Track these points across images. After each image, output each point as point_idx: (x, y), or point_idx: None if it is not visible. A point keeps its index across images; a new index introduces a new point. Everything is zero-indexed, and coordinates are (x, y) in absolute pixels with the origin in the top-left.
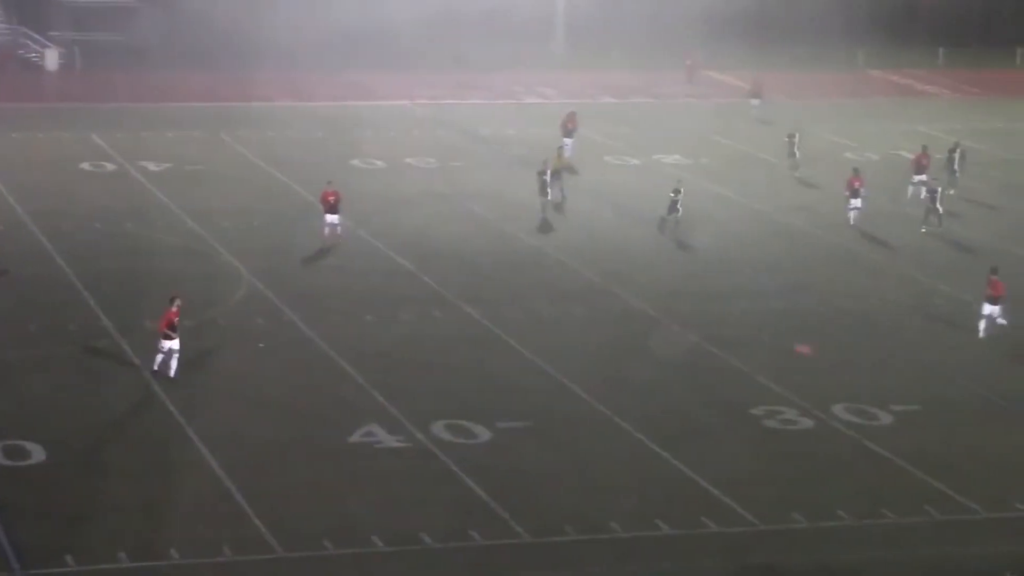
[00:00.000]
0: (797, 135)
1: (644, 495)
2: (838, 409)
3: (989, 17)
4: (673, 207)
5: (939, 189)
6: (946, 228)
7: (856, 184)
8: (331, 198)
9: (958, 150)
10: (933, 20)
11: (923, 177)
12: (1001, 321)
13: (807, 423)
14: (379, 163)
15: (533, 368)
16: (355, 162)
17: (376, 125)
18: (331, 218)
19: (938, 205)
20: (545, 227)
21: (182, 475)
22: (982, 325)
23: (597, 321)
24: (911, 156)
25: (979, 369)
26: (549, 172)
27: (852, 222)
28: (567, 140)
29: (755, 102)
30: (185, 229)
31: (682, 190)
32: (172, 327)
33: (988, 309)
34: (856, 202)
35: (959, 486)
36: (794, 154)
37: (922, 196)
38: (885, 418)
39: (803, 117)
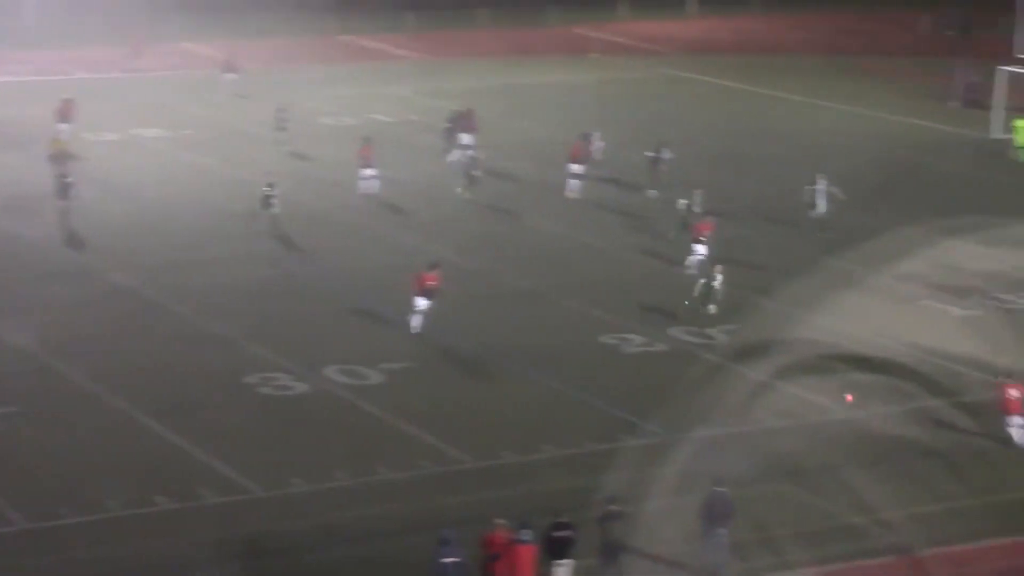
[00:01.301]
0: (287, 108)
1: (140, 472)
2: (330, 371)
3: None
4: (266, 202)
5: (477, 156)
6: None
7: (367, 153)
8: None
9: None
10: None
11: (469, 139)
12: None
13: (302, 387)
14: None
15: (16, 353)
16: None
17: None
18: None
19: (474, 171)
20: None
21: None
22: (414, 321)
23: (84, 301)
24: (450, 123)
25: (463, 325)
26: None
27: (363, 191)
28: (63, 126)
29: (230, 76)
30: None
31: (275, 184)
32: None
33: (419, 303)
34: (369, 171)
35: (448, 438)
36: (284, 127)
37: (457, 159)
38: (376, 377)
39: (280, 86)
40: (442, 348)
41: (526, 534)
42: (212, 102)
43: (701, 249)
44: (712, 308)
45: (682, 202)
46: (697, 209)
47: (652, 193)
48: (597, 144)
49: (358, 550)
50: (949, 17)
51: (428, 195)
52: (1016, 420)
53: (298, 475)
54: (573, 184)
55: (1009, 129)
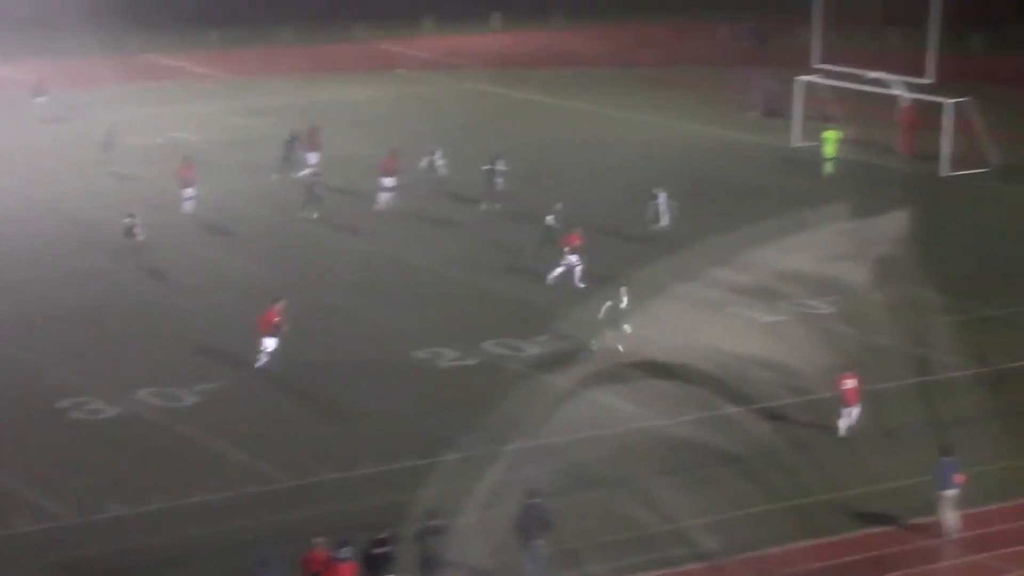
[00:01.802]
0: (113, 128)
1: None
2: (143, 394)
3: None
4: (129, 231)
5: (321, 175)
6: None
7: (188, 173)
8: None
9: (295, 138)
10: (202, 3)
11: (313, 158)
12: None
13: (114, 411)
14: None
15: None
16: None
17: None
18: None
19: (317, 191)
20: None
21: None
22: (262, 360)
23: None
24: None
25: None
26: None
27: (185, 211)
28: None
29: (40, 99)
30: None
31: (136, 214)
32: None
33: (267, 343)
34: (189, 191)
35: (264, 456)
36: (110, 148)
37: (303, 177)
38: (190, 398)
39: (85, 108)
40: (253, 367)
41: (346, 552)
42: (23, 125)
43: (573, 259)
44: (627, 327)
45: (549, 218)
46: (556, 224)
47: (484, 207)
48: (440, 160)
49: (177, 573)
50: (747, 28)
51: (240, 213)
52: (850, 411)
53: (113, 499)
54: (383, 197)
55: (812, 138)
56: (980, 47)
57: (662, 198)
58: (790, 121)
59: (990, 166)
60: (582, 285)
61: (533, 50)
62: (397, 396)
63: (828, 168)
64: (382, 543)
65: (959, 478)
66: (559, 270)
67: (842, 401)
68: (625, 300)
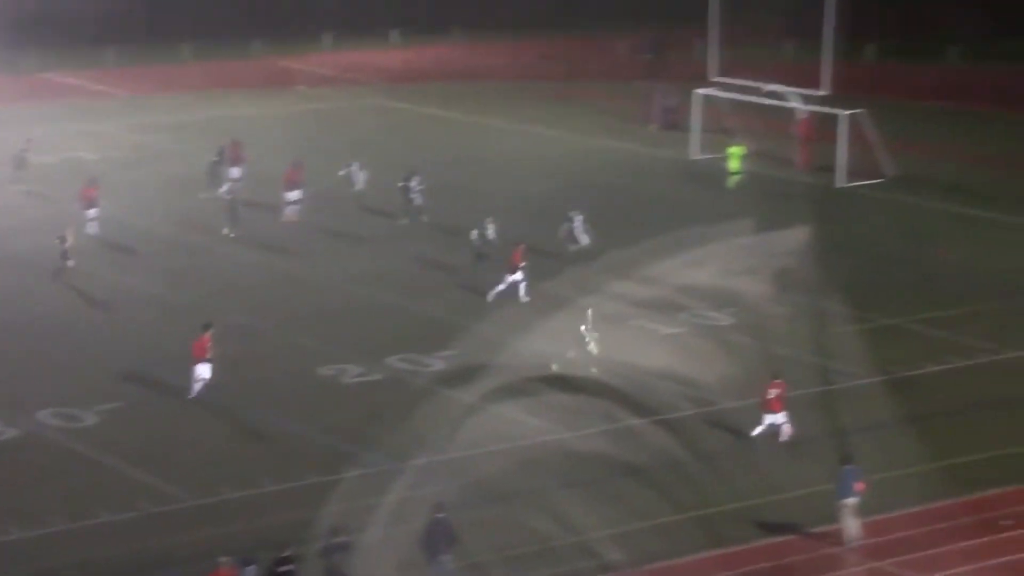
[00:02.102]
0: (28, 146)
1: None
2: (43, 415)
3: (152, 12)
4: (64, 256)
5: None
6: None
7: (91, 194)
8: None
9: (222, 154)
10: (98, 21)
11: (236, 172)
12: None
13: (12, 432)
14: None
15: None
16: None
17: None
18: None
19: (237, 209)
20: None
21: None
22: (197, 388)
23: None
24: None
25: (178, 361)
26: None
27: (91, 231)
28: None
29: None
30: None
31: (68, 238)
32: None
33: (201, 372)
34: (93, 211)
35: (165, 475)
36: (23, 166)
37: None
38: (90, 419)
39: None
40: (156, 386)
41: (250, 571)
42: None
43: (518, 276)
44: (593, 347)
45: (474, 232)
46: (492, 237)
47: (404, 222)
48: (359, 174)
49: None
50: (645, 42)
51: (144, 231)
52: (773, 418)
53: (12, 522)
54: (289, 210)
55: (711, 151)
56: (874, 57)
57: (578, 221)
58: (689, 134)
59: (885, 177)
60: (526, 299)
61: (433, 65)
62: (301, 412)
63: (732, 182)
64: (286, 561)
65: (859, 486)
66: (500, 287)
67: (766, 407)
68: (591, 321)
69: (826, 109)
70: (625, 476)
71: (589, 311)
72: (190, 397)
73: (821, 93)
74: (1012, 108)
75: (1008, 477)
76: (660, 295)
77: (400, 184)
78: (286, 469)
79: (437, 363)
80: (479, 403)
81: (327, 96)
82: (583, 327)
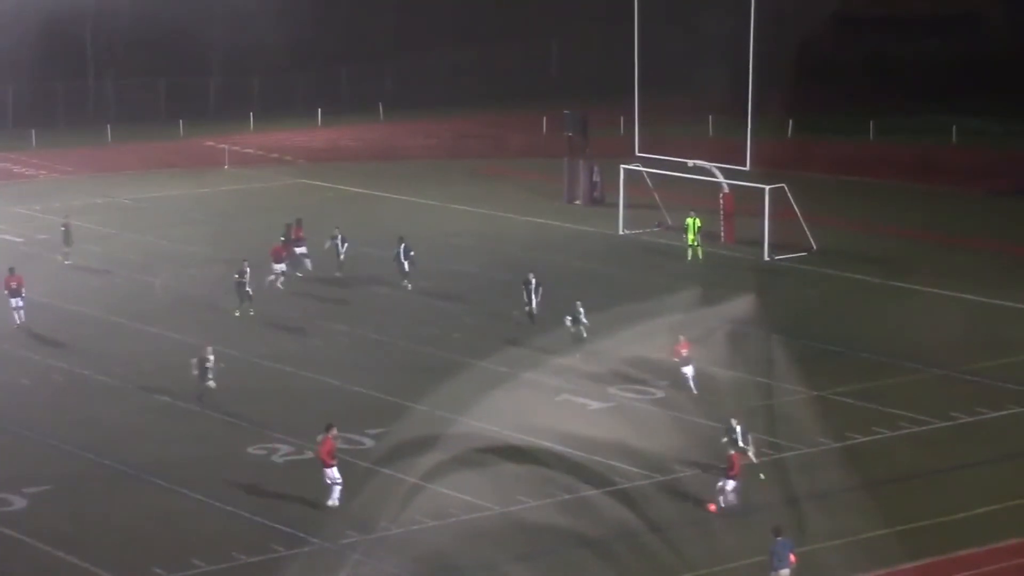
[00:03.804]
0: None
1: None
2: None
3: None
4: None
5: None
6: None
7: (14, 284)
8: None
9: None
10: (23, 102)
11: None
12: None
13: None
14: None
15: None
16: None
17: None
18: None
19: (248, 289)
20: None
21: None
22: (336, 493)
23: None
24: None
25: (105, 442)
26: None
27: (19, 321)
28: None
29: None
30: None
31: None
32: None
33: (332, 475)
34: (17, 301)
35: (95, 558)
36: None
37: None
38: (19, 502)
39: None
40: (83, 467)
41: None
42: None
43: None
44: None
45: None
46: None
47: (408, 285)
48: (343, 243)
49: None
50: (568, 118)
51: (63, 313)
52: (687, 369)
53: None
54: (278, 279)
55: (636, 226)
56: (794, 133)
57: (533, 282)
58: (615, 209)
59: (810, 250)
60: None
61: (358, 144)
62: (233, 492)
63: (692, 254)
64: None
65: (792, 558)
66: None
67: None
68: (582, 313)
69: (749, 184)
70: (578, 547)
71: (578, 303)
72: (332, 503)
73: (744, 169)
74: (930, 181)
75: (945, 543)
76: (596, 369)
77: (395, 252)
78: (217, 549)
79: (369, 441)
80: (416, 479)
81: (251, 176)
82: (573, 317)
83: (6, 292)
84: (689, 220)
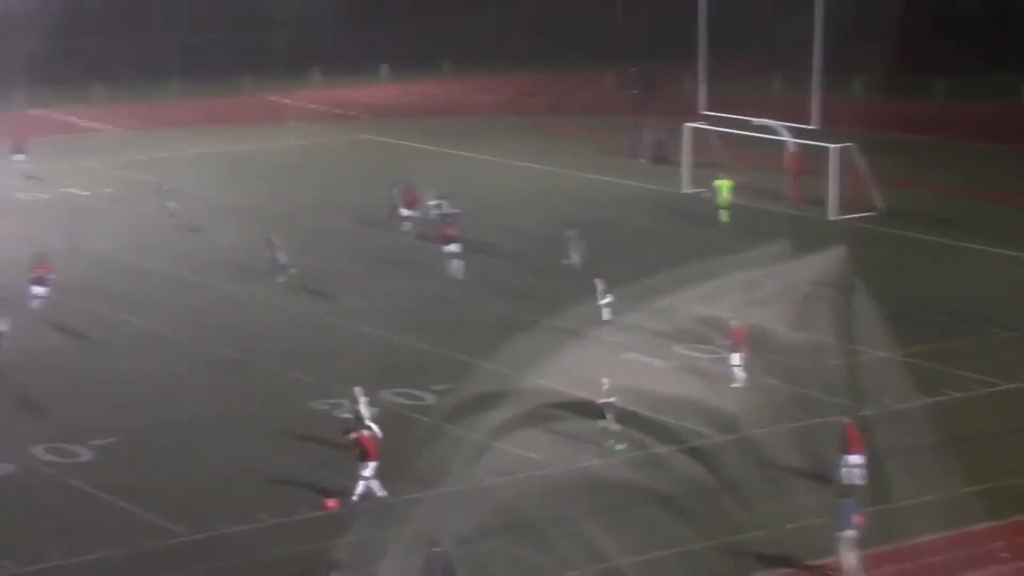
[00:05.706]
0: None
1: None
2: (37, 451)
3: (141, 49)
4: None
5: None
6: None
7: (42, 271)
8: None
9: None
10: (88, 57)
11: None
12: None
13: (7, 468)
14: None
15: None
16: None
17: None
18: None
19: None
20: None
21: None
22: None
23: None
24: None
25: (170, 397)
26: None
27: (35, 307)
28: None
29: (19, 157)
30: None
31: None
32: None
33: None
34: (40, 290)
35: (160, 510)
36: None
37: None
38: (86, 454)
39: None
40: (150, 421)
41: None
42: None
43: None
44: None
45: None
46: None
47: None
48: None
49: None
50: (634, 76)
51: (128, 267)
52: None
53: (7, 558)
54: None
55: (701, 184)
56: (861, 92)
57: (572, 236)
58: (679, 167)
59: (876, 210)
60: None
61: (422, 100)
62: (296, 447)
63: (723, 216)
64: None
65: (859, 519)
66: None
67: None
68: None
69: (816, 143)
70: (650, 503)
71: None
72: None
73: (811, 127)
74: (997, 141)
75: (1002, 510)
76: (655, 329)
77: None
78: (284, 503)
79: (431, 397)
80: (486, 435)
81: (316, 132)
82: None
83: (31, 279)
84: (719, 182)
